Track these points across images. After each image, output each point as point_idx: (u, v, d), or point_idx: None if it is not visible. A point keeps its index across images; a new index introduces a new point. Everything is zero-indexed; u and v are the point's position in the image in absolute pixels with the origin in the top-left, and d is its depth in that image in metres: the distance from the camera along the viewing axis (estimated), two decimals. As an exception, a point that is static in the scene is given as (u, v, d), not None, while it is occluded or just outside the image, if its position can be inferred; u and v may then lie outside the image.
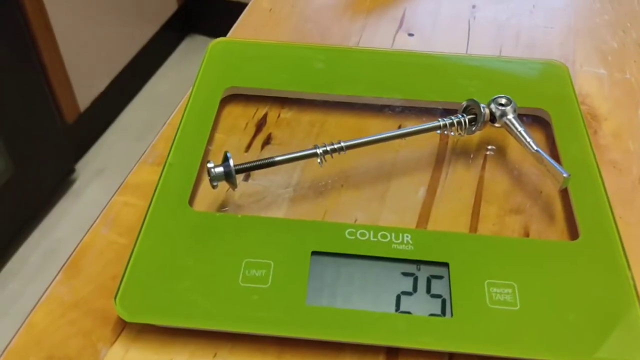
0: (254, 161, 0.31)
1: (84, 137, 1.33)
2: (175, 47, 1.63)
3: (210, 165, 0.30)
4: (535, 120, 0.37)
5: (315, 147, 0.32)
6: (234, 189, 0.31)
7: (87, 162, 1.33)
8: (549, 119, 0.36)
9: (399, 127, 0.37)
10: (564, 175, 0.30)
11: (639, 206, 0.33)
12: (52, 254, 1.17)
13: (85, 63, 1.26)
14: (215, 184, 0.30)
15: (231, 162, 0.30)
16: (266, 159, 0.31)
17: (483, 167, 0.35)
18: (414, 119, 0.38)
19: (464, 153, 0.36)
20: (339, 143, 0.32)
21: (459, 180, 0.34)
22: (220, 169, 0.30)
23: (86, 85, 1.27)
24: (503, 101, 0.34)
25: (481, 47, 0.44)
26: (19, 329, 0.27)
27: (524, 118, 0.37)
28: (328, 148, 0.32)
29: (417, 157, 0.35)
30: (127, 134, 1.37)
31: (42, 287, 0.29)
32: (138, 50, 1.45)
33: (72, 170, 1.28)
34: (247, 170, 0.30)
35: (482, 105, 0.34)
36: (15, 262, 1.15)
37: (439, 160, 0.35)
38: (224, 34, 0.43)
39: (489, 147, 0.36)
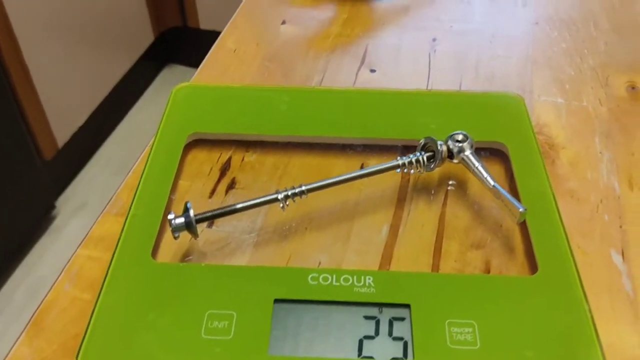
0: (215, 210, 0.31)
1: (64, 173, 1.33)
2: (153, 78, 1.63)
3: (170, 216, 0.30)
4: (495, 153, 0.38)
5: (277, 192, 0.32)
6: (195, 238, 0.31)
7: (67, 197, 1.32)
8: (507, 151, 0.37)
9: (362, 165, 0.38)
10: (520, 209, 0.31)
11: (597, 235, 0.34)
12: (36, 292, 1.16)
13: (62, 98, 1.26)
14: (176, 235, 0.30)
15: (191, 213, 0.30)
16: (227, 207, 0.31)
17: (445, 203, 0.35)
18: (376, 157, 0.38)
19: (426, 189, 0.36)
20: (300, 187, 0.33)
21: (421, 217, 0.35)
22: (181, 220, 0.30)
23: (64, 120, 1.27)
24: (460, 137, 0.35)
25: (442, 80, 0.44)
26: (-19, 393, 0.27)
27: (483, 152, 0.37)
28: (289, 192, 0.32)
29: (380, 195, 0.36)
30: (107, 167, 1.37)
31: (24, 325, 0.29)
32: (116, 83, 1.45)
33: (52, 207, 1.28)
34: (207, 219, 0.31)
35: (439, 142, 0.34)
36: (-2, 301, 1.13)
37: (401, 198, 0.36)
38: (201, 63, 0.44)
39: (450, 182, 0.36)
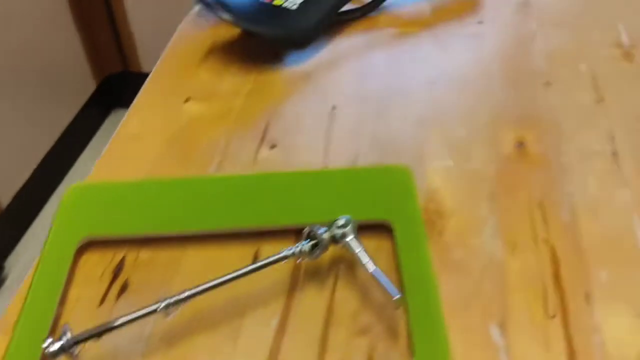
0: (93, 330, 0.31)
1: (10, 233, 1.31)
2: (100, 125, 1.63)
3: (45, 345, 0.30)
4: (385, 228, 0.39)
5: (158, 301, 0.32)
6: None
7: (17, 256, 1.30)
8: (393, 229, 0.38)
9: (257, 252, 0.39)
10: (395, 297, 0.32)
11: (479, 308, 0.35)
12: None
13: (3, 156, 1.24)
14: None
15: (68, 335, 0.30)
16: (104, 325, 0.31)
17: (335, 287, 0.36)
18: (272, 242, 0.39)
19: (317, 273, 0.37)
20: (183, 293, 0.33)
21: (311, 304, 0.35)
22: (56, 347, 0.30)
23: (5, 180, 1.25)
24: (342, 222, 0.36)
25: (339, 152, 0.46)
26: None
27: (374, 229, 0.39)
28: (172, 300, 0.33)
29: (272, 285, 0.37)
30: (56, 222, 1.35)
31: None
32: (60, 135, 1.44)
33: (1, 268, 1.26)
34: (85, 340, 0.31)
35: (321, 230, 0.35)
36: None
37: (292, 286, 0.36)
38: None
39: (341, 265, 0.37)
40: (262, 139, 0.47)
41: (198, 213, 0.39)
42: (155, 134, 0.48)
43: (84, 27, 1.55)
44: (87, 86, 1.58)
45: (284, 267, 0.37)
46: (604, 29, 0.58)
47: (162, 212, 0.39)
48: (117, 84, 1.63)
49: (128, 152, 0.46)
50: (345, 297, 0.36)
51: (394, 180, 0.41)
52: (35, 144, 1.37)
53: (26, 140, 1.33)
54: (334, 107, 0.50)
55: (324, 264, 0.38)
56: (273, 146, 0.46)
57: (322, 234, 0.35)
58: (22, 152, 1.32)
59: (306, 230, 0.36)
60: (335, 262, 0.38)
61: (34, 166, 1.35)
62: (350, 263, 0.37)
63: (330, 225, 0.36)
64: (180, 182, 0.42)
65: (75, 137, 1.52)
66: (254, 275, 0.37)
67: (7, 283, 1.27)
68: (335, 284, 0.37)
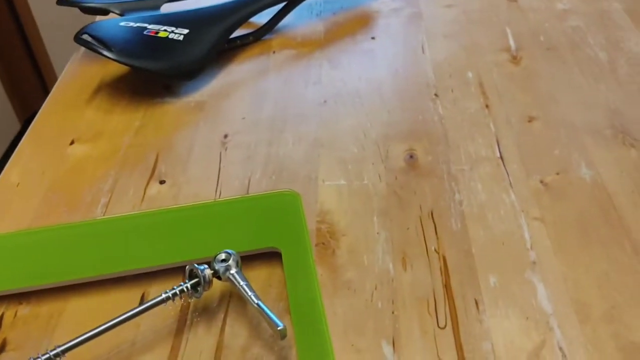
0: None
1: None
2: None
3: None
4: (278, 255, 0.38)
5: (37, 356, 0.31)
6: None
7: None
8: (281, 255, 0.37)
9: (143, 295, 0.37)
10: (278, 327, 0.31)
11: (371, 327, 0.35)
12: None
13: None
14: None
15: None
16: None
17: (224, 323, 0.35)
18: (160, 282, 0.38)
19: (206, 311, 0.36)
20: (64, 344, 0.31)
21: (200, 343, 0.34)
22: None
23: None
24: (224, 257, 0.35)
25: (231, 182, 0.45)
26: None
27: (265, 256, 0.38)
28: (51, 353, 0.31)
29: (159, 328, 0.35)
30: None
31: None
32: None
33: None
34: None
35: (201, 267, 0.34)
36: None
37: (180, 327, 0.35)
38: None
39: (231, 299, 0.36)
40: (151, 175, 0.46)
41: (81, 260, 0.38)
42: (38, 182, 0.45)
43: (2, 64, 1.50)
44: (11, 127, 1.52)
45: (172, 308, 0.36)
46: (492, 35, 0.59)
47: (42, 263, 0.37)
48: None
49: (9, 203, 0.44)
50: (236, 332, 0.35)
51: (283, 207, 0.40)
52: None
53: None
54: (225, 136, 0.49)
55: (213, 300, 0.37)
56: (162, 181, 0.45)
57: (203, 271, 0.34)
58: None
59: (187, 268, 0.35)
60: (225, 296, 0.37)
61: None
62: (239, 296, 0.36)
63: (213, 259, 0.35)
64: (61, 228, 0.40)
65: None
66: (139, 319, 0.35)
67: None
68: (225, 319, 0.35)
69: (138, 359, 0.34)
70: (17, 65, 1.62)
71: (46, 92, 1.60)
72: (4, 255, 0.38)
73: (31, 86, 1.68)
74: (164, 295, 0.34)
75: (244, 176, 0.45)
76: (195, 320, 0.36)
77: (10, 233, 0.40)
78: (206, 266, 0.35)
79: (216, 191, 0.44)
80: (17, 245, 0.39)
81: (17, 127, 1.65)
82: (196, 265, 0.34)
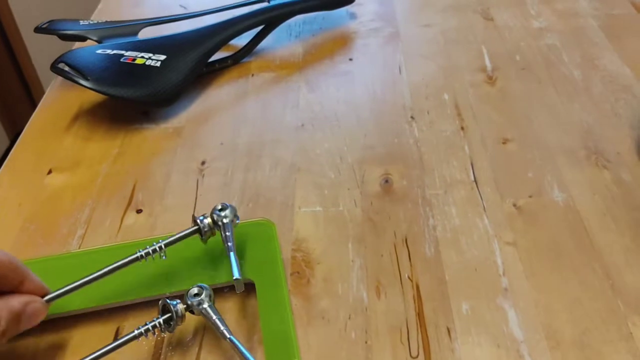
0: None
1: None
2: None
3: None
4: (250, 286, 0.39)
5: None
6: None
7: None
8: (256, 287, 0.38)
9: (117, 330, 0.37)
10: (250, 364, 0.32)
11: (345, 355, 0.35)
12: None
13: None
14: None
15: None
16: None
17: (198, 356, 0.35)
18: (136, 315, 0.38)
19: (180, 344, 0.36)
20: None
21: (173, 379, 0.34)
22: None
23: None
24: (196, 291, 0.35)
25: (209, 210, 0.45)
26: None
27: (234, 288, 0.38)
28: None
29: (132, 363, 0.35)
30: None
31: None
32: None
33: None
34: None
35: (173, 303, 0.34)
36: None
37: (154, 361, 0.35)
38: None
39: (205, 332, 0.37)
40: (128, 204, 0.46)
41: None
42: (14, 213, 0.45)
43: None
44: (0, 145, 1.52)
45: (146, 343, 0.36)
46: (469, 55, 0.60)
47: (15, 299, 0.37)
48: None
49: (-14, 235, 0.44)
50: (209, 366, 0.35)
51: (258, 237, 0.41)
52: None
53: None
54: (203, 162, 0.49)
55: (187, 334, 0.37)
56: (139, 210, 0.45)
57: (175, 306, 0.34)
58: None
59: (161, 303, 0.35)
60: (199, 330, 0.37)
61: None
62: (213, 330, 0.37)
63: (185, 294, 0.35)
64: (36, 262, 0.40)
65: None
66: (114, 355, 0.35)
67: None
68: (199, 353, 0.36)
69: (111, 395, 0.34)
70: (3, 78, 1.62)
71: (34, 105, 1.60)
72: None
73: (22, 105, 1.68)
74: (136, 332, 0.34)
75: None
76: (169, 354, 0.36)
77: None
78: (179, 301, 0.35)
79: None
80: (-8, 281, 0.39)
81: (6, 143, 1.64)
82: (168, 301, 0.34)
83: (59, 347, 0.36)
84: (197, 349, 0.36)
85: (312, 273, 0.40)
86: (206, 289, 0.35)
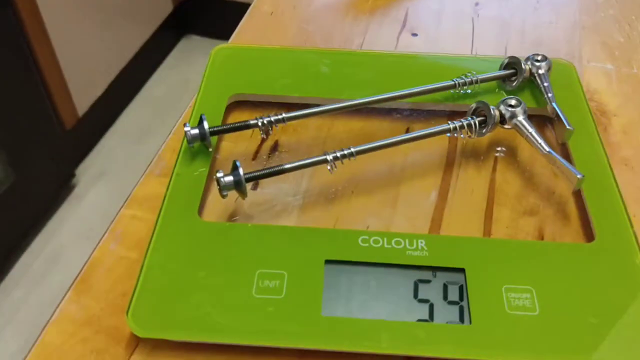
0: (264, 169, 0.30)
1: (83, 142, 1.33)
2: (171, 49, 1.62)
3: (219, 174, 0.29)
4: (545, 120, 0.37)
5: (325, 153, 0.31)
6: (243, 198, 0.31)
7: (87, 166, 1.32)
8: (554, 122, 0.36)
9: (407, 130, 0.37)
10: (578, 176, 0.30)
11: (653, 204, 0.33)
12: (55, 260, 1.16)
13: (82, 68, 1.25)
14: (225, 193, 0.30)
15: (241, 171, 0.29)
16: (276, 166, 0.30)
17: (494, 169, 0.34)
18: (422, 122, 0.37)
19: (474, 155, 0.35)
20: (349, 149, 0.32)
21: (470, 183, 0.34)
22: (230, 178, 0.29)
23: (84, 90, 1.27)
24: (513, 102, 0.34)
25: (486, 46, 0.43)
26: (31, 348, 0.26)
27: (535, 118, 0.36)
28: (338, 154, 0.31)
29: (426, 161, 0.35)
30: (126, 137, 1.37)
31: (45, 294, 0.28)
32: (134, 53, 1.44)
33: (72, 175, 1.28)
34: (257, 178, 0.30)
35: (491, 107, 0.33)
36: (18, 269, 1.14)
37: (449, 163, 0.35)
38: (220, 34, 0.43)
39: (499, 148, 0.35)
40: (403, 26, 0.45)
41: (347, 84, 0.38)
42: (290, 15, 0.46)
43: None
44: (163, 8, 1.57)
45: (439, 146, 0.36)
46: None
47: (310, 79, 0.38)
48: (192, 10, 1.62)
49: (264, 29, 0.45)
50: (507, 180, 0.34)
51: (558, 73, 0.38)
52: (111, 60, 1.37)
53: (104, 56, 1.33)
54: (477, 4, 0.47)
55: (481, 147, 0.36)
56: (414, 34, 0.44)
57: (493, 110, 0.33)
58: (100, 67, 1.32)
59: (472, 106, 0.34)
60: (493, 145, 0.36)
61: (109, 82, 1.36)
62: (510, 147, 0.35)
63: (499, 103, 0.34)
64: (328, 52, 0.40)
65: (148, 58, 1.52)
66: (408, 149, 0.35)
67: (76, 191, 1.29)
68: (494, 165, 0.35)
69: (409, 183, 0.34)
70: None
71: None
72: (274, 66, 0.39)
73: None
74: (449, 125, 0.33)
75: (500, 44, 0.43)
76: (463, 162, 0.35)
77: (281, 47, 0.41)
78: (494, 107, 0.33)
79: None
80: (286, 60, 0.39)
81: (169, 9, 1.69)
82: (486, 103, 0.33)
83: (352, 130, 0.36)
84: (492, 162, 0.35)
85: (608, 122, 0.37)
86: (523, 103, 0.34)
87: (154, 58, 1.57)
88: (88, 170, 1.32)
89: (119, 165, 1.31)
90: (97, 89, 1.32)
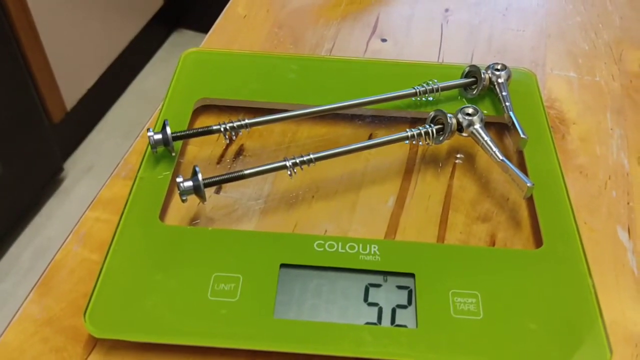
0: (223, 175, 0.31)
1: (72, 136, 1.33)
2: (162, 43, 1.62)
3: (179, 179, 0.30)
4: (505, 127, 0.38)
5: (285, 159, 0.32)
6: (203, 203, 0.32)
7: (75, 160, 1.33)
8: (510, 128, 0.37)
9: (370, 136, 0.38)
10: (528, 184, 0.31)
11: (605, 212, 0.34)
12: (43, 252, 1.17)
13: (71, 61, 1.25)
14: (184, 198, 0.31)
15: (200, 177, 0.30)
16: (235, 172, 0.31)
17: (452, 175, 0.35)
18: (384, 128, 0.38)
19: (434, 161, 0.36)
20: (309, 155, 0.33)
21: (428, 188, 0.35)
22: (189, 183, 0.30)
23: (72, 83, 1.27)
24: (470, 111, 0.35)
25: (453, 53, 0.44)
26: (-9, 347, 0.27)
27: (492, 126, 0.37)
28: (297, 160, 0.32)
29: (387, 166, 0.36)
30: (115, 131, 1.37)
31: (32, 286, 0.29)
32: (125, 47, 1.44)
33: (60, 169, 1.28)
34: (216, 184, 0.31)
35: (449, 115, 0.34)
36: (5, 261, 1.15)
37: (409, 169, 0.36)
38: (211, 28, 0.44)
39: (459, 155, 0.36)
40: (373, 32, 0.46)
41: (313, 90, 0.38)
42: (263, 18, 0.46)
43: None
44: (154, 2, 1.57)
45: (400, 152, 0.37)
46: None
47: (277, 85, 0.39)
48: (183, 3, 1.62)
49: (237, 32, 0.45)
50: (464, 186, 0.35)
51: (519, 82, 0.39)
52: (101, 54, 1.37)
53: (93, 49, 1.33)
54: (447, 10, 0.48)
55: (440, 153, 0.37)
56: (384, 40, 0.45)
57: (450, 118, 0.34)
58: (89, 61, 1.33)
59: (432, 114, 0.35)
60: (452, 152, 0.37)
61: (98, 75, 1.36)
62: (468, 154, 0.36)
63: (457, 112, 0.35)
64: (296, 58, 0.41)
65: (138, 51, 1.52)
66: (369, 155, 0.36)
67: (64, 184, 1.30)
68: (452, 172, 0.36)
69: (368, 188, 0.34)
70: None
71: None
72: (242, 71, 0.39)
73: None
74: (406, 133, 0.34)
75: (466, 53, 0.44)
76: (422, 168, 0.36)
77: (250, 52, 0.42)
78: (452, 115, 0.34)
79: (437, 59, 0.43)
80: (254, 65, 0.40)
81: (159, 2, 1.69)
82: (444, 111, 0.34)
83: (316, 136, 0.37)
84: (450, 169, 0.36)
85: (567, 130, 0.38)
86: (479, 111, 0.35)
87: (145, 52, 1.57)
88: (76, 165, 1.32)
89: (108, 159, 1.31)
90: (86, 83, 1.32)
